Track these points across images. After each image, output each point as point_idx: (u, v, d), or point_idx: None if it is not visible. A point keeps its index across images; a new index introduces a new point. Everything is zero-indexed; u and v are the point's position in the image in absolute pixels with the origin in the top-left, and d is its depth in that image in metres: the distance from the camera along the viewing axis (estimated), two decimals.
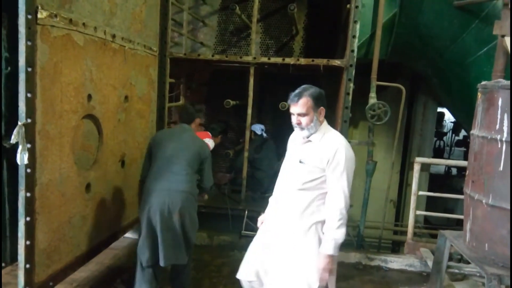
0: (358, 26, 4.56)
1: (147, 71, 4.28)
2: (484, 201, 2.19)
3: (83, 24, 2.99)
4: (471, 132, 2.37)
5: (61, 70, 2.79)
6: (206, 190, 3.47)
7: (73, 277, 3.49)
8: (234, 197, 5.45)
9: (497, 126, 2.10)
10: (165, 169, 3.18)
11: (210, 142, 4.88)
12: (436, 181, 9.14)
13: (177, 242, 3.13)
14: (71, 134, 2.99)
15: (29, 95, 2.50)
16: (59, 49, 2.75)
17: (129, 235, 4.38)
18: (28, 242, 2.61)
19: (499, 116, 2.10)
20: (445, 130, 14.37)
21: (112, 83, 3.52)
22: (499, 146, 2.09)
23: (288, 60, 4.86)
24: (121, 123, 3.76)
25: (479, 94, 2.27)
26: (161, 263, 3.10)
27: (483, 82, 2.24)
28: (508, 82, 2.10)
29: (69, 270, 3.16)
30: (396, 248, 6.98)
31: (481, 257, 2.23)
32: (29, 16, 2.43)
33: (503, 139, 2.07)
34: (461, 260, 3.73)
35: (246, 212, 4.91)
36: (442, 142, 13.87)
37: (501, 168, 2.09)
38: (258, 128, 5.73)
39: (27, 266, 2.63)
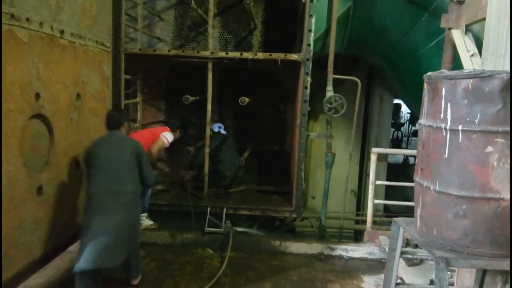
0: (313, 20, 4.62)
1: (100, 67, 4.15)
2: (431, 187, 2.27)
3: (27, 19, 2.86)
4: (419, 121, 2.46)
5: (3, 67, 2.65)
6: (149, 187, 3.61)
7: (27, 284, 3.35)
8: (197, 194, 5.40)
9: (442, 115, 2.19)
10: (106, 173, 3.25)
11: (169, 136, 4.77)
12: (395, 170, 9.45)
13: (118, 243, 3.13)
14: (18, 135, 2.86)
15: None
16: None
17: None
18: None
19: (443, 106, 2.18)
20: (402, 121, 14.85)
21: (62, 81, 3.40)
22: (444, 134, 2.17)
23: (246, 55, 4.86)
24: (74, 122, 3.64)
25: (425, 85, 2.36)
26: (92, 266, 3.01)
27: (428, 73, 2.32)
28: (451, 73, 2.19)
29: (22, 277, 3.04)
30: (358, 237, 7.16)
31: (430, 241, 2.32)
32: None
33: (447, 127, 2.15)
34: (418, 245, 3.88)
35: (209, 208, 4.89)
36: (399, 133, 14.33)
37: (446, 156, 2.17)
38: (216, 126, 5.71)
39: None
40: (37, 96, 3.05)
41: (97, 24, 4.03)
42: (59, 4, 3.31)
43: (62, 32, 3.34)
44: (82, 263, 2.99)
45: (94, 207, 3.17)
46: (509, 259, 2.12)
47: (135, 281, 3.63)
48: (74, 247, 3.88)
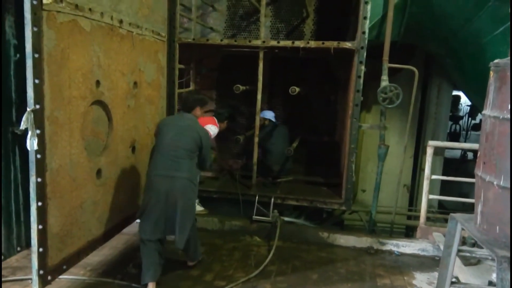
0: (369, 7, 4.47)
1: (156, 56, 4.27)
2: (495, 182, 2.14)
3: (89, 9, 2.99)
4: (483, 112, 2.30)
5: (68, 56, 2.80)
6: (203, 170, 3.76)
7: (87, 261, 3.57)
8: (245, 182, 5.46)
9: (510, 106, 2.04)
10: (166, 156, 3.35)
11: (213, 128, 4.69)
12: (452, 165, 8.99)
13: (178, 226, 3.34)
14: (80, 120, 3.01)
15: (36, 81, 2.52)
16: (66, 34, 2.76)
17: None
18: (40, 227, 2.67)
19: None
20: (461, 114, 14.07)
21: (121, 69, 3.53)
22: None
23: (298, 43, 4.79)
24: (131, 109, 3.78)
25: (491, 73, 2.20)
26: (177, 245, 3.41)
27: (496, 60, 2.16)
28: None
29: (82, 254, 3.23)
30: (410, 233, 6.90)
31: (492, 239, 2.18)
32: (34, 2, 2.43)
33: None
34: (475, 244, 3.67)
35: (257, 197, 4.92)
36: (458, 126, 13.59)
37: None
38: (267, 115, 5.70)
39: (40, 249, 2.69)
40: (98, 83, 3.20)
41: (153, 14, 4.14)
42: None
43: (121, 21, 3.47)
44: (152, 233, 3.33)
45: (151, 190, 3.33)
46: None
47: (191, 263, 3.83)
48: (128, 229, 4.08)
